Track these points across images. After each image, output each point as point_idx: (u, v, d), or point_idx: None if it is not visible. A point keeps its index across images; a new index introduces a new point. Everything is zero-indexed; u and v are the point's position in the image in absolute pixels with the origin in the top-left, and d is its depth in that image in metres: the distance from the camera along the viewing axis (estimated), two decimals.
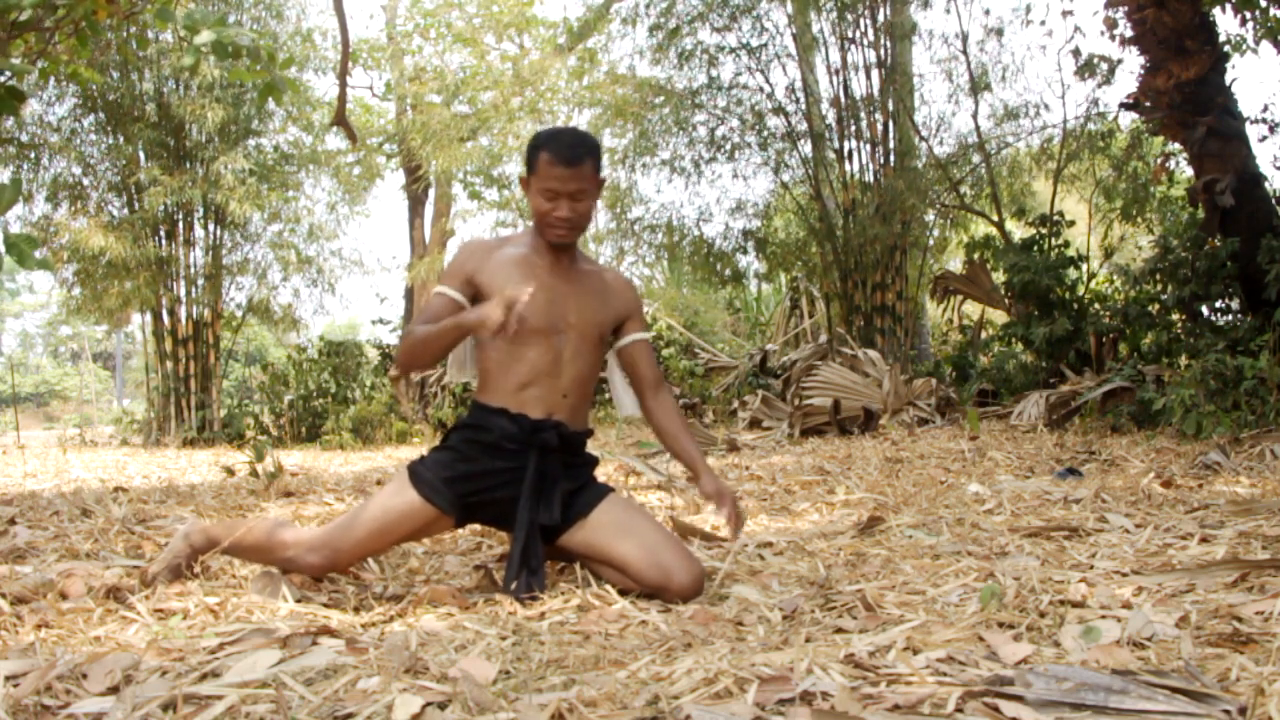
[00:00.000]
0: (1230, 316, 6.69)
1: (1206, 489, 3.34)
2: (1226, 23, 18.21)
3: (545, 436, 2.10)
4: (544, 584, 2.05)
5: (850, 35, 9.79)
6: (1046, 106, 10.92)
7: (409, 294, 13.46)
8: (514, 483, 2.09)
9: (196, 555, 2.18)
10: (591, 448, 2.32)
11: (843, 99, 9.87)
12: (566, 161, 2.07)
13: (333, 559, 2.06)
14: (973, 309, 10.07)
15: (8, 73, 2.69)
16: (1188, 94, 6.43)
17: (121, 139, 10.10)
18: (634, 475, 4.40)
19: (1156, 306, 7.09)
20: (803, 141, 10.18)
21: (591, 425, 2.36)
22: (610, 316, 2.26)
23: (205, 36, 2.61)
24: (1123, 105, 7.20)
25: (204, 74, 9.12)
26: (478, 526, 2.91)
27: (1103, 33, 7.15)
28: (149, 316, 10.73)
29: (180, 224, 10.38)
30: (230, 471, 4.81)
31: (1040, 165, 9.64)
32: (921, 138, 9.84)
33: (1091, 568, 2.10)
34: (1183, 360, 6.59)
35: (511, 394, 2.13)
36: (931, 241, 10.73)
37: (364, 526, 2.06)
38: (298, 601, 1.98)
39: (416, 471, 2.10)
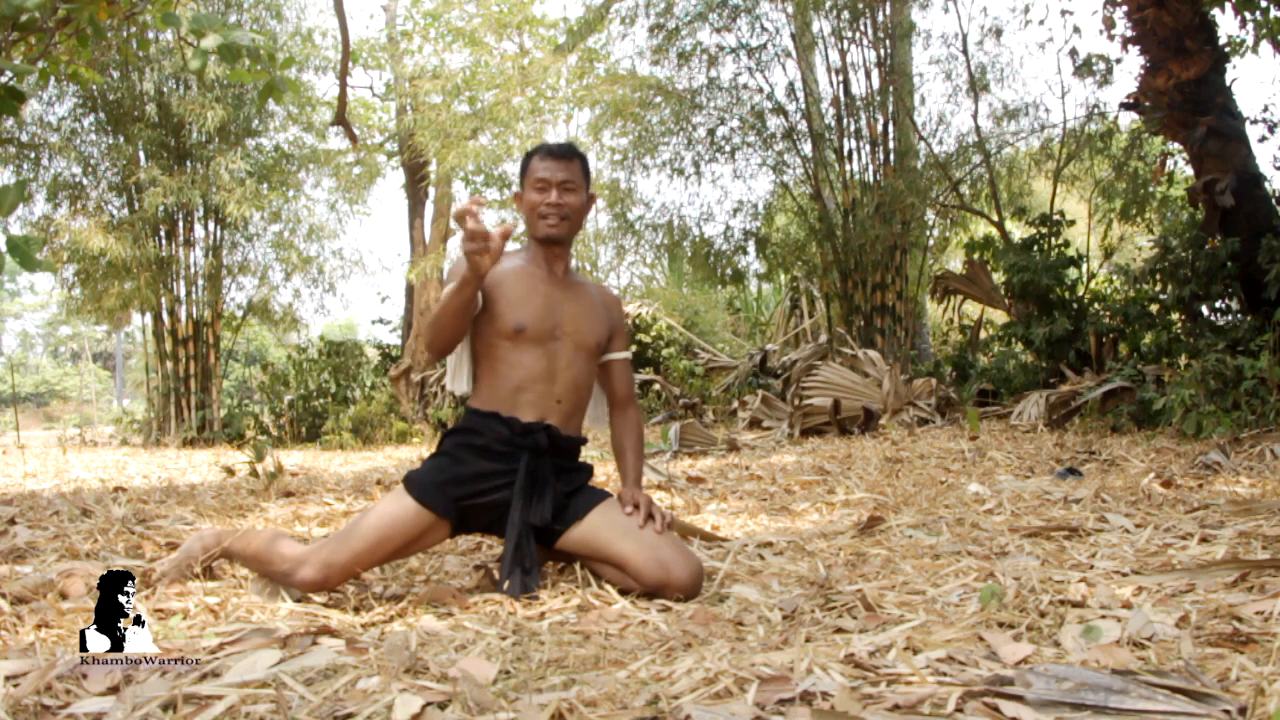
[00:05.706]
0: (1230, 316, 6.68)
1: (1206, 489, 3.34)
2: (1226, 23, 18.20)
3: (536, 438, 2.13)
4: (537, 584, 2.06)
5: (850, 35, 9.80)
6: (1047, 108, 10.94)
7: (409, 293, 13.46)
8: (507, 486, 2.11)
9: (203, 557, 2.19)
10: (591, 450, 2.32)
11: (842, 99, 9.87)
12: (555, 155, 2.22)
13: (326, 574, 2.01)
14: (973, 309, 10.07)
15: (8, 73, 2.69)
16: (1188, 94, 6.43)
17: (121, 139, 10.10)
18: None
19: (1156, 306, 7.09)
20: (803, 141, 10.19)
21: (586, 434, 2.37)
22: (605, 329, 2.33)
23: (211, 41, 2.61)
24: (1123, 105, 7.20)
25: (207, 73, 9.13)
26: None
27: (1101, 31, 7.15)
28: (149, 317, 10.74)
29: (180, 224, 10.38)
30: (230, 471, 4.80)
31: (1040, 165, 9.64)
32: (921, 138, 9.84)
33: (1091, 568, 2.10)
34: (1183, 360, 6.58)
35: (505, 399, 2.17)
36: (931, 241, 10.73)
37: (360, 538, 2.03)
38: (297, 601, 1.98)
39: (410, 478, 2.11)
